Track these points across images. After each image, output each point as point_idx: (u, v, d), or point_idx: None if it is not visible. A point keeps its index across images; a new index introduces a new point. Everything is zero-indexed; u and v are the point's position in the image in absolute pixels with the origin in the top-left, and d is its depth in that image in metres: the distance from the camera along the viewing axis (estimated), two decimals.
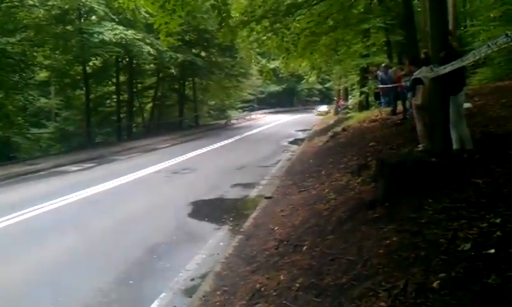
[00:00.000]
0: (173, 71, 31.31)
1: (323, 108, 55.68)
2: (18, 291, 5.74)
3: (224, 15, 12.17)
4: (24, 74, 22.38)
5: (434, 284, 3.14)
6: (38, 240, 7.74)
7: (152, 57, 26.77)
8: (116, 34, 22.06)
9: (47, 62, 24.87)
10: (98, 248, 7.34)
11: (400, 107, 14.08)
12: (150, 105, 37.15)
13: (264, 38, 15.79)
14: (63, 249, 7.32)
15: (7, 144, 21.88)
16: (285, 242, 6.00)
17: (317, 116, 47.27)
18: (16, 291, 5.75)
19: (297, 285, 4.37)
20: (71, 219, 9.10)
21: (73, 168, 16.60)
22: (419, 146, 7.57)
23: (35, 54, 23.21)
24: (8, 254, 7.12)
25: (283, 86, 69.08)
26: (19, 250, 7.25)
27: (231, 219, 8.81)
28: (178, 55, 29.23)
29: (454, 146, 6.12)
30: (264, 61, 36.31)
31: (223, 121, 45.02)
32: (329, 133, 18.17)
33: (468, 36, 20.61)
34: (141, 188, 12.09)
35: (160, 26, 10.60)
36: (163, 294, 5.52)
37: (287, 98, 73.73)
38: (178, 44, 29.72)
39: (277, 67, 30.37)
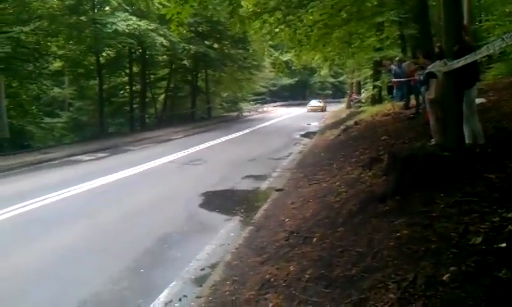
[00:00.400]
0: (185, 62, 31.34)
1: (316, 103, 49.02)
2: (28, 280, 5.80)
3: (234, 4, 12.20)
4: (38, 64, 22.50)
5: (445, 278, 3.13)
6: (48, 229, 7.79)
7: (165, 49, 26.85)
8: (129, 24, 22.16)
9: (60, 52, 25.08)
10: (108, 237, 7.40)
11: (413, 101, 14.00)
12: (163, 96, 37.20)
13: (277, 30, 15.74)
14: (74, 238, 7.38)
15: (21, 133, 22.07)
16: (295, 234, 6.01)
17: (309, 113, 43.49)
18: (26, 279, 5.80)
19: (307, 276, 4.38)
20: (82, 208, 9.17)
21: (86, 158, 16.72)
22: (432, 140, 7.52)
23: (49, 43, 23.43)
24: (18, 243, 7.14)
25: (296, 79, 68.90)
26: (29, 239, 7.29)
27: (242, 210, 8.83)
28: (191, 46, 29.29)
29: (467, 141, 6.08)
30: (276, 54, 36.30)
31: (235, 113, 45.03)
32: (342, 127, 18.12)
33: (482, 31, 20.29)
34: (153, 179, 12.16)
35: (173, 16, 10.63)
36: (173, 283, 5.56)
37: (299, 91, 73.48)
38: (191, 35, 29.86)
39: (290, 60, 30.22)
